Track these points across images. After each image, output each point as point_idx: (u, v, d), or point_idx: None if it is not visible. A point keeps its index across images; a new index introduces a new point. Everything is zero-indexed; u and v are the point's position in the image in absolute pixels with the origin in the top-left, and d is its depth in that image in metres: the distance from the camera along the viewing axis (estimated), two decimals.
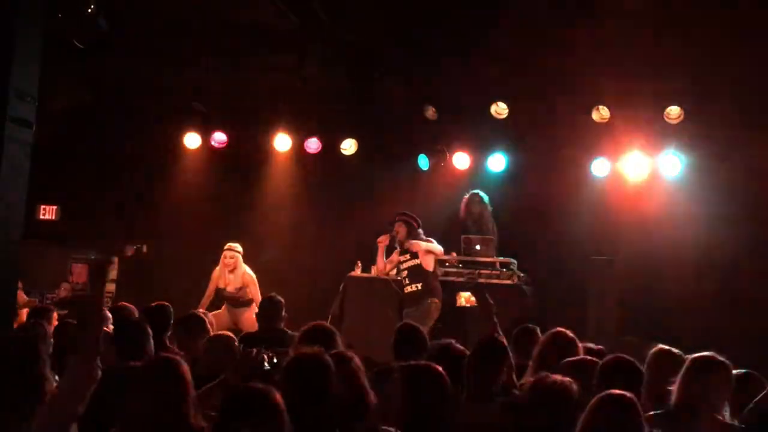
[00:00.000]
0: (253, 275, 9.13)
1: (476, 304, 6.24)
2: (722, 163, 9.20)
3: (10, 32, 5.32)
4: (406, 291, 8.65)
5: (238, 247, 9.19)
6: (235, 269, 9.09)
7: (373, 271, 9.04)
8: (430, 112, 9.95)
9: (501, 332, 4.52)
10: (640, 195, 9.54)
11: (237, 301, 9.10)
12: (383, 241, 8.79)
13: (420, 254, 8.60)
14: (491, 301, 4.59)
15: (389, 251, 8.95)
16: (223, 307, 9.12)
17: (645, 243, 9.30)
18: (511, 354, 4.48)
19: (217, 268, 9.16)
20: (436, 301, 8.47)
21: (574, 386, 3.56)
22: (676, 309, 9.02)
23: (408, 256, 8.68)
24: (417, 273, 8.58)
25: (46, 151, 5.90)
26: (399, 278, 8.76)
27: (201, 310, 7.70)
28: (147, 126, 10.98)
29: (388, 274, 8.90)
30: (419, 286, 8.53)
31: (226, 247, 9.19)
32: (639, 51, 8.51)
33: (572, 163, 9.82)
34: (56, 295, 10.60)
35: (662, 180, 9.58)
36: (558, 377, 3.61)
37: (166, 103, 10.69)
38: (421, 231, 8.75)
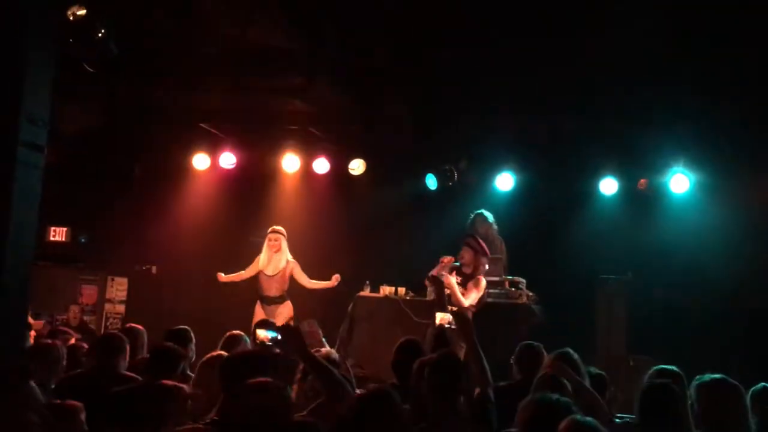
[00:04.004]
0: (297, 263, 9.21)
1: (454, 324, 6.23)
2: (730, 180, 9.21)
3: (21, 57, 5.38)
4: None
5: (282, 230, 9.26)
6: (279, 251, 9.14)
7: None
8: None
9: (481, 353, 4.48)
10: (648, 214, 9.55)
11: (271, 299, 9.12)
12: (447, 261, 8.14)
13: (469, 284, 8.12)
14: (470, 319, 4.56)
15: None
16: (257, 305, 9.15)
17: (655, 262, 9.29)
18: (487, 370, 4.46)
19: (261, 255, 9.24)
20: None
21: (571, 403, 3.55)
22: (687, 328, 8.99)
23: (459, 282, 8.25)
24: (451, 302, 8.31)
25: (56, 173, 5.94)
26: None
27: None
28: (156, 147, 11.06)
29: (453, 295, 8.04)
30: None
31: (270, 230, 9.30)
32: (643, 65, 8.52)
33: (580, 181, 9.83)
34: (66, 317, 10.62)
35: (671, 198, 9.58)
36: (555, 396, 3.61)
37: (175, 124, 10.76)
38: (485, 260, 8.24)
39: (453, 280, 8.00)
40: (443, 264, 8.30)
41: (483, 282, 8.20)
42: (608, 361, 8.26)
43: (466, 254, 8.28)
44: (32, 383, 3.36)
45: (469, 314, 7.95)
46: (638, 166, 9.63)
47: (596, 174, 9.83)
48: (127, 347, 5.14)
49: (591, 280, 9.28)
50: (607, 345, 8.95)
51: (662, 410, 3.97)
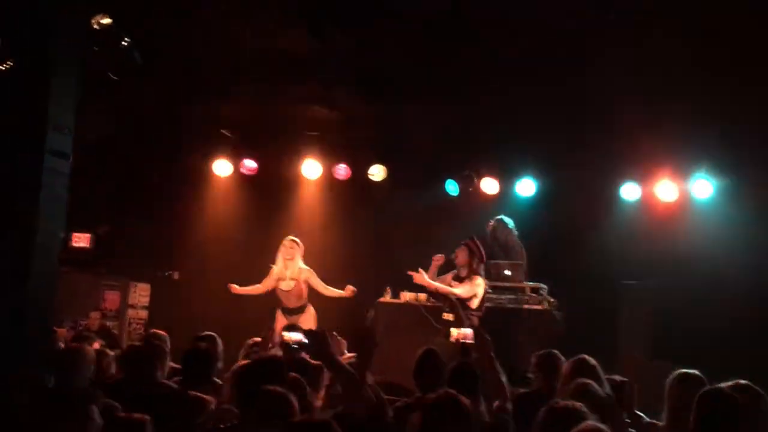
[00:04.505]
0: (311, 270, 9.21)
1: (471, 340, 6.23)
2: (754, 185, 9.14)
3: (48, 66, 5.46)
4: (443, 317, 8.45)
5: (297, 240, 9.29)
6: (293, 260, 9.17)
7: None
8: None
9: (499, 368, 4.49)
10: (670, 219, 9.50)
11: (292, 310, 9.15)
12: (438, 260, 8.51)
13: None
14: (487, 337, 4.58)
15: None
16: (278, 313, 9.18)
17: (676, 267, 9.23)
18: (504, 384, 4.47)
19: (275, 265, 9.25)
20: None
21: (584, 410, 3.55)
22: (709, 335, 8.92)
23: (459, 285, 8.42)
24: (454, 303, 8.35)
25: (79, 179, 6.01)
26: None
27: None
28: (178, 154, 11.14)
29: (436, 290, 8.48)
30: (451, 317, 8.40)
31: (286, 239, 9.30)
32: (669, 73, 8.49)
33: (601, 187, 9.80)
34: (87, 323, 10.68)
35: (693, 204, 9.53)
36: (569, 402, 3.62)
37: (196, 131, 10.84)
38: (482, 264, 8.42)
39: (437, 284, 8.24)
40: (435, 263, 8.39)
41: (478, 280, 8.29)
42: (630, 367, 8.21)
43: (461, 254, 8.40)
44: (94, 407, 3.36)
45: (476, 320, 8.04)
46: (661, 171, 9.56)
47: (618, 179, 9.78)
48: (167, 355, 5.17)
49: (613, 285, 9.24)
50: (629, 351, 8.90)
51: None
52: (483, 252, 8.43)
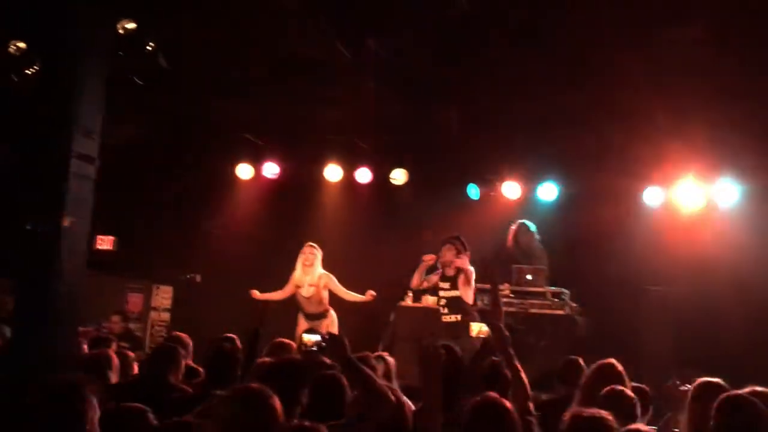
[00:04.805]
0: (330, 275, 9.26)
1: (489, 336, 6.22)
2: None
3: (76, 71, 5.52)
4: (444, 319, 8.51)
5: (316, 246, 9.34)
6: (312, 266, 9.21)
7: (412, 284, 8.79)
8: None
9: (519, 365, 4.46)
10: (694, 224, 9.43)
11: (313, 315, 9.19)
12: (429, 260, 8.60)
13: (459, 284, 8.51)
14: (507, 333, 4.56)
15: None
16: (300, 317, 9.23)
17: (701, 273, 9.16)
18: (524, 383, 4.44)
19: (295, 271, 9.29)
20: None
21: (610, 418, 3.53)
22: (734, 340, 8.85)
23: (448, 285, 8.57)
24: (456, 305, 8.49)
25: (102, 182, 6.07)
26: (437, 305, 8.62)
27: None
28: (200, 157, 11.20)
29: (420, 288, 8.68)
30: (458, 317, 8.46)
31: (305, 245, 9.35)
32: (694, 78, 8.44)
33: (624, 192, 9.75)
34: (109, 326, 10.71)
35: (717, 209, 9.45)
36: (595, 410, 3.59)
37: (218, 134, 10.90)
38: (467, 259, 8.60)
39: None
40: (425, 263, 8.43)
41: (473, 275, 8.44)
42: (653, 373, 8.16)
43: (448, 253, 8.43)
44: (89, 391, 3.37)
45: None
46: (685, 176, 9.49)
47: (641, 184, 9.73)
48: (182, 358, 5.19)
49: (636, 291, 9.18)
50: (653, 356, 8.84)
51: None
52: (466, 245, 8.58)
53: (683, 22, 7.56)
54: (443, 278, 8.63)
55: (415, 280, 8.71)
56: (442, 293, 8.60)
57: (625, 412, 3.95)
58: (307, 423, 3.25)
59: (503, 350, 4.44)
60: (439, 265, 8.67)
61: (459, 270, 8.53)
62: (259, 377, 4.04)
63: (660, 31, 7.82)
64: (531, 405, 4.37)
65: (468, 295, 8.50)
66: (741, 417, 3.76)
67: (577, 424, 3.50)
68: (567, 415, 3.58)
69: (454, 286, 8.55)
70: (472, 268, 8.50)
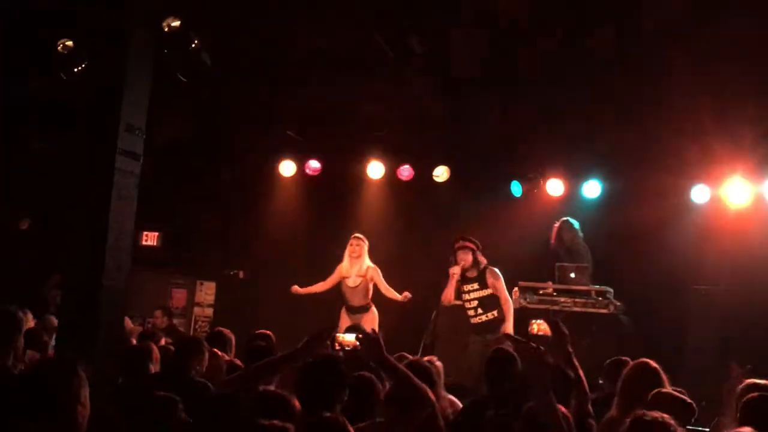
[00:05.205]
0: (377, 268, 9.25)
1: (549, 333, 6.15)
2: None
3: (121, 68, 5.60)
4: (477, 320, 8.42)
5: (363, 237, 9.36)
6: (360, 257, 9.23)
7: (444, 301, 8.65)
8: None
9: (577, 363, 4.39)
10: (742, 222, 9.24)
11: (356, 308, 9.21)
12: (457, 273, 8.45)
13: (489, 281, 8.38)
14: (565, 331, 4.50)
15: None
16: (343, 311, 9.25)
17: (748, 272, 8.97)
18: (584, 383, 4.38)
19: (342, 262, 9.32)
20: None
21: (673, 422, 3.47)
22: None
23: (477, 285, 8.42)
24: (491, 302, 8.35)
25: (147, 178, 6.15)
26: (465, 307, 8.53)
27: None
28: (243, 154, 11.31)
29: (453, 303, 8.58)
30: (495, 314, 8.36)
31: (352, 236, 9.38)
32: (742, 75, 8.28)
33: (670, 189, 9.60)
34: (153, 321, 10.84)
35: (766, 207, 9.26)
36: (656, 414, 3.53)
37: (261, 131, 10.97)
38: (480, 252, 8.51)
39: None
40: (454, 276, 8.33)
41: (497, 270, 8.38)
42: (698, 373, 8.04)
43: (468, 257, 8.38)
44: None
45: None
46: (732, 173, 9.31)
47: (688, 181, 9.57)
48: (205, 352, 5.21)
49: (682, 289, 9.04)
50: (698, 356, 8.70)
51: None
52: (476, 242, 8.51)
53: (732, 20, 7.43)
54: (465, 280, 8.46)
55: (450, 296, 8.53)
56: (472, 295, 8.45)
57: (677, 414, 3.87)
58: (276, 422, 3.25)
59: (563, 349, 4.39)
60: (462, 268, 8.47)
61: (484, 267, 8.42)
62: (300, 374, 4.06)
63: (708, 28, 7.71)
64: (590, 406, 4.33)
65: (501, 288, 8.35)
66: None
67: (641, 428, 3.44)
68: (628, 418, 3.52)
69: (483, 285, 8.41)
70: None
